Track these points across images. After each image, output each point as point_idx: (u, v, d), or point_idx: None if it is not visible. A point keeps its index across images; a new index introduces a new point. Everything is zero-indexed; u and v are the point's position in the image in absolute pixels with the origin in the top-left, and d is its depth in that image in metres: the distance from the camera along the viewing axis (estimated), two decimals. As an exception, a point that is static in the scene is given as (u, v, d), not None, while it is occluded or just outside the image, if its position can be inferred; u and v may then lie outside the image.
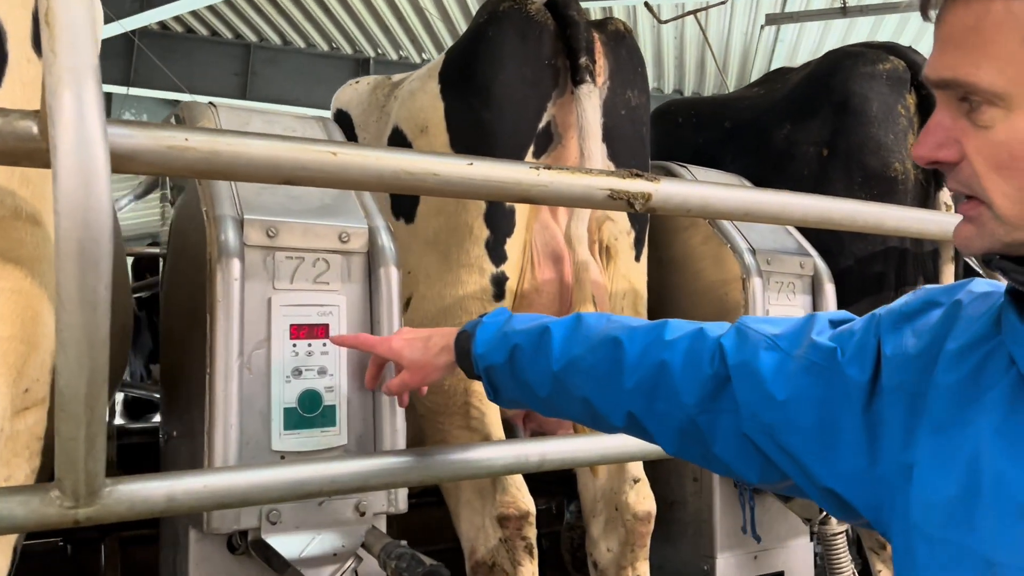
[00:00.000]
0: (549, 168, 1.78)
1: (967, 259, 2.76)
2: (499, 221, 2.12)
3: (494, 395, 1.53)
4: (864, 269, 2.78)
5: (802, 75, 3.01)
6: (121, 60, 10.88)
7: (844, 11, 10.55)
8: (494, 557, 2.02)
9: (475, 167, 1.71)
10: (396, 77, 2.54)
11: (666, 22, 9.07)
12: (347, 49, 11.37)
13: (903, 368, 1.03)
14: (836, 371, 1.09)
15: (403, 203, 2.25)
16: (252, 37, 11.19)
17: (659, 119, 3.44)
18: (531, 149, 2.14)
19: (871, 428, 1.05)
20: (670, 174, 2.68)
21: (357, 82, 2.68)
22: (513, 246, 2.13)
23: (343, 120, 2.55)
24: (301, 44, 11.33)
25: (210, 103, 2.06)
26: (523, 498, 2.04)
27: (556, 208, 2.20)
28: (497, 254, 2.12)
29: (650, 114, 3.55)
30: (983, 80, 0.84)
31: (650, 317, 2.70)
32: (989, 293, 1.02)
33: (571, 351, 1.37)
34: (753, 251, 2.43)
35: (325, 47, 11.33)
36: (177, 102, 9.78)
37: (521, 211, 2.14)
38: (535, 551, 2.04)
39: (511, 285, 2.13)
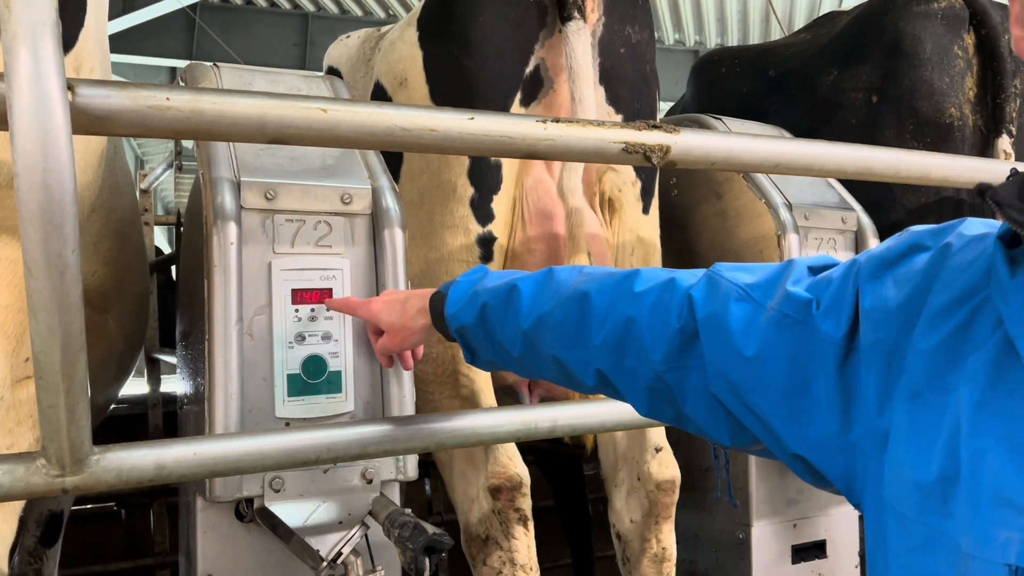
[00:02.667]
0: (557, 121, 1.69)
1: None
2: (484, 177, 2.02)
3: (471, 357, 1.46)
4: (916, 223, 2.59)
5: (851, 17, 2.82)
6: (184, 35, 11.05)
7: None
8: (487, 529, 1.96)
9: (476, 121, 1.62)
10: (384, 29, 2.43)
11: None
12: (404, 16, 11.32)
13: (882, 323, 0.91)
14: (809, 325, 0.98)
15: (387, 163, 2.17)
16: (310, 7, 11.23)
17: (702, 69, 3.29)
18: (518, 97, 2.02)
19: (844, 390, 0.93)
20: (702, 126, 2.55)
21: (348, 37, 2.58)
22: (501, 203, 2.03)
23: (334, 79, 2.47)
24: (359, 12, 11.32)
25: (213, 64, 2.01)
26: (515, 467, 1.96)
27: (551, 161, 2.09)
28: (483, 213, 2.02)
29: (694, 63, 3.40)
30: None
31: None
32: (983, 236, 0.88)
33: (540, 308, 1.27)
34: (790, 206, 2.29)
35: (382, 14, 11.29)
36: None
37: (509, 165, 2.04)
38: (530, 522, 1.97)
39: (500, 245, 2.03)
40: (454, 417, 1.68)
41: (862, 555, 2.47)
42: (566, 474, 3.60)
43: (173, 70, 11.68)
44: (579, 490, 3.68)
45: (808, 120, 2.80)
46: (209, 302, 1.68)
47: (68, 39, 1.65)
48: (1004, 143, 2.53)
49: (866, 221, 2.42)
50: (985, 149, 2.58)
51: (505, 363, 1.41)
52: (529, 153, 1.68)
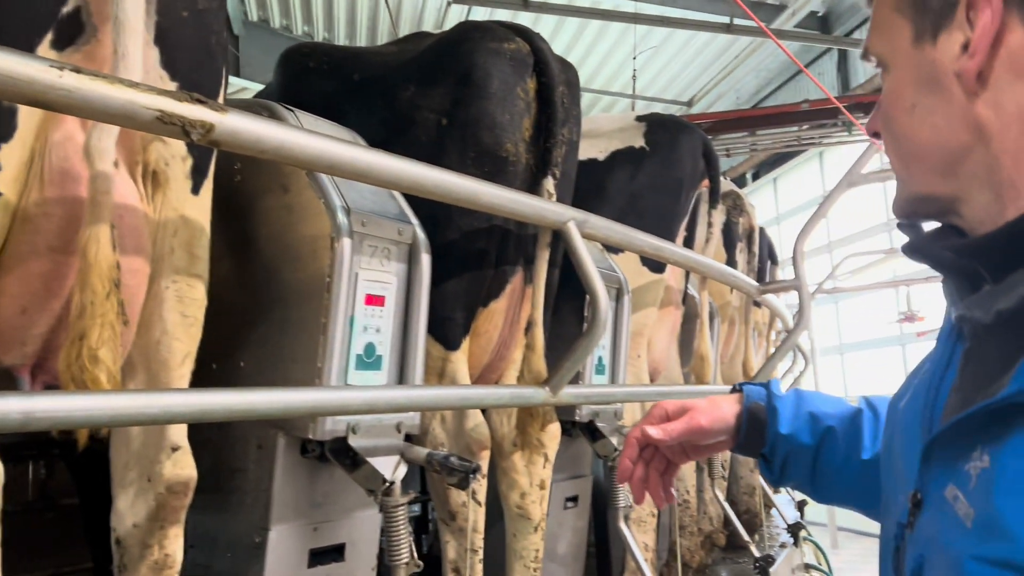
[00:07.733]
0: (79, 71, 1.48)
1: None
2: (-7, 122, 1.74)
3: (776, 477, 1.39)
4: (468, 244, 2.76)
5: (434, 40, 2.93)
6: None
7: (526, 4, 10.99)
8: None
9: (-29, 53, 1.37)
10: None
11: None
12: None
13: None
14: None
15: None
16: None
17: (288, 60, 3.20)
18: (49, 37, 1.77)
19: None
20: (273, 115, 2.46)
21: None
22: (11, 155, 1.74)
23: None
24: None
25: None
26: None
27: (86, 117, 1.86)
28: (-11, 163, 1.73)
29: (282, 52, 3.29)
30: (874, 46, 0.97)
31: (228, 268, 2.47)
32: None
33: (879, 442, 1.29)
34: (348, 210, 2.28)
35: None
36: None
37: (29, 113, 1.76)
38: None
39: (6, 201, 1.75)
40: None
41: (379, 558, 2.53)
42: (92, 471, 3.25)
43: None
44: (107, 488, 3.34)
45: (385, 131, 2.84)
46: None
47: None
48: (549, 184, 2.78)
49: (421, 236, 2.50)
50: (533, 186, 2.82)
51: (827, 489, 1.37)
52: (36, 100, 1.45)
